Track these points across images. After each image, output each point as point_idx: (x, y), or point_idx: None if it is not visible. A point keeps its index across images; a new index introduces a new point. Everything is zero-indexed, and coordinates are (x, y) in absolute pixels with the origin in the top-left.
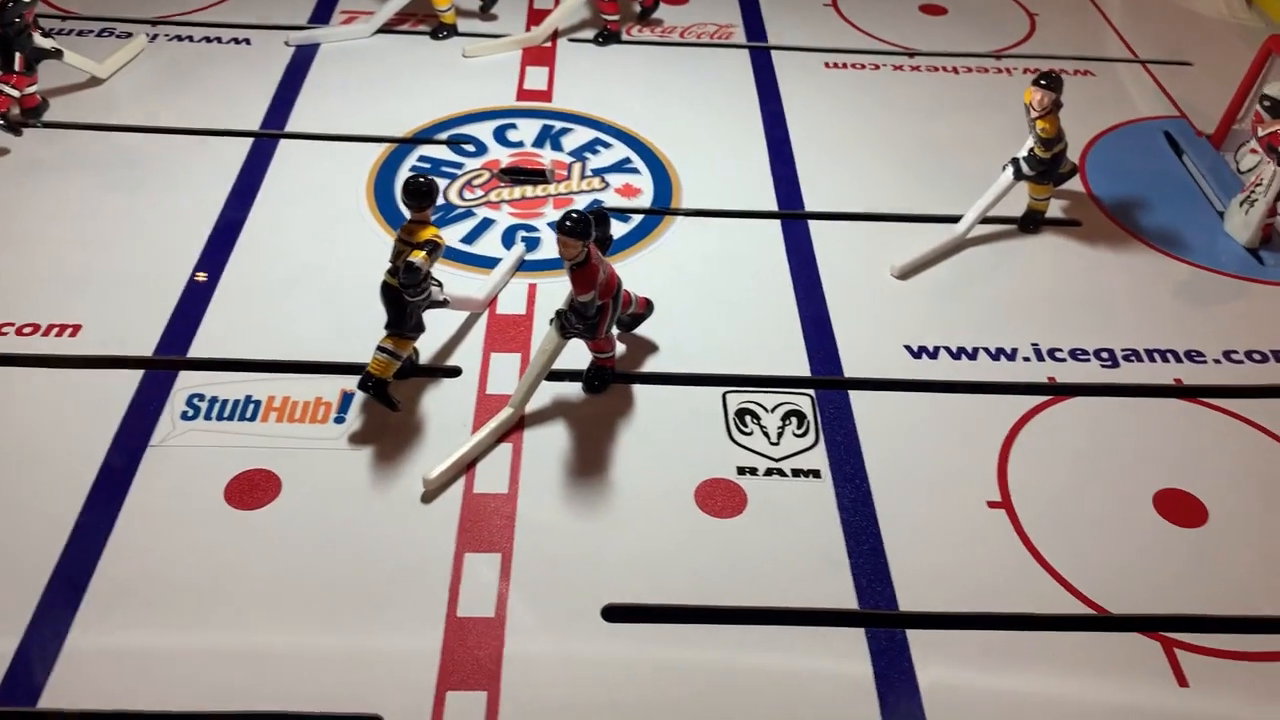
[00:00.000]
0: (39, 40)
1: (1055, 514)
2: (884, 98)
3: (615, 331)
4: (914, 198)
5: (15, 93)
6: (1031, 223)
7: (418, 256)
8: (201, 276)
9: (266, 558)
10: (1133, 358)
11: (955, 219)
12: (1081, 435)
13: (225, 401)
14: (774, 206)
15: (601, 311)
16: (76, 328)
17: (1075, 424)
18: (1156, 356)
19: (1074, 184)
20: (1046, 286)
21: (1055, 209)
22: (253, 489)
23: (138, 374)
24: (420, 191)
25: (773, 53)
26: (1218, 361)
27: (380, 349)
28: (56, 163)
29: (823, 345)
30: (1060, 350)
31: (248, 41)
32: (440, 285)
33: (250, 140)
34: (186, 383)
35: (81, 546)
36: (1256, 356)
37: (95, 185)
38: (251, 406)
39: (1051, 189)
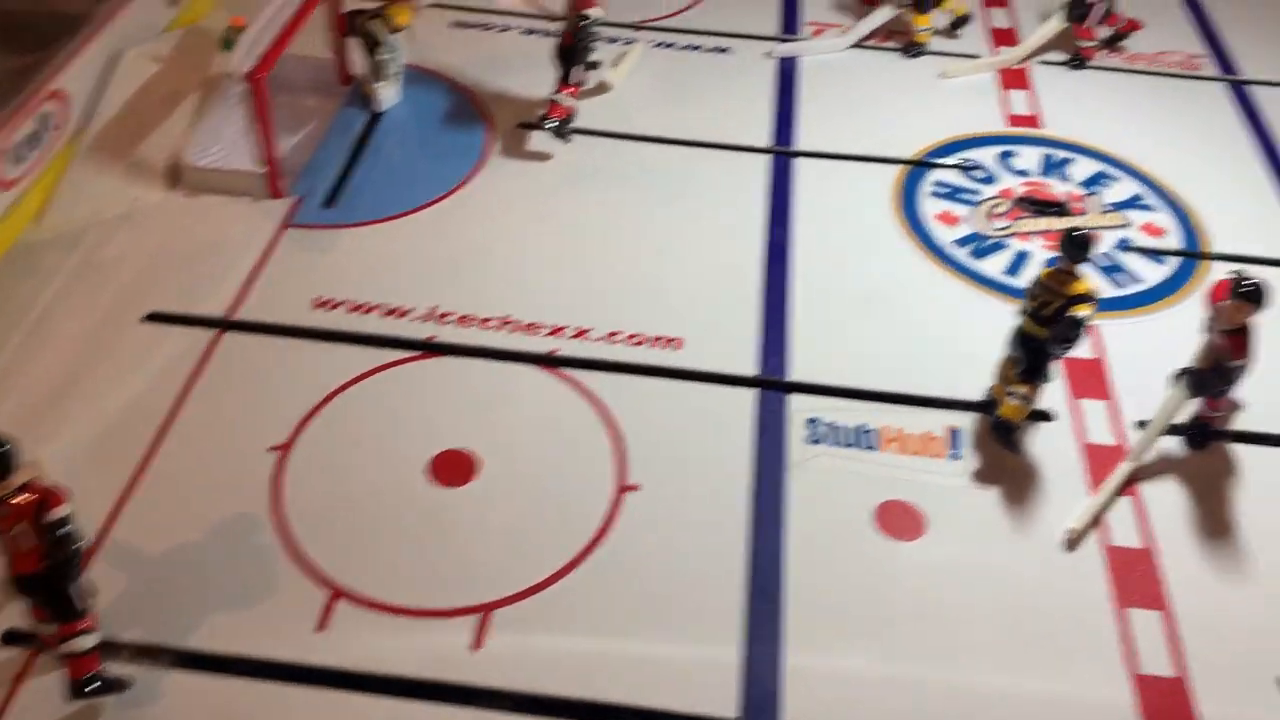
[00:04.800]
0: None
1: None
2: None
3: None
4: None
5: (572, 103)
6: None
7: (1085, 310)
8: None
9: (928, 588)
10: None
11: None
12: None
13: (842, 428)
14: None
15: (1240, 372)
16: (679, 340)
17: None
18: None
19: None
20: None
21: None
22: (900, 518)
23: (750, 392)
24: (1083, 244)
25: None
26: None
27: (1013, 394)
28: (592, 169)
29: None
30: None
31: (728, 50)
32: None
33: (766, 157)
34: (798, 405)
35: (764, 558)
36: None
37: (635, 195)
38: (866, 435)
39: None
